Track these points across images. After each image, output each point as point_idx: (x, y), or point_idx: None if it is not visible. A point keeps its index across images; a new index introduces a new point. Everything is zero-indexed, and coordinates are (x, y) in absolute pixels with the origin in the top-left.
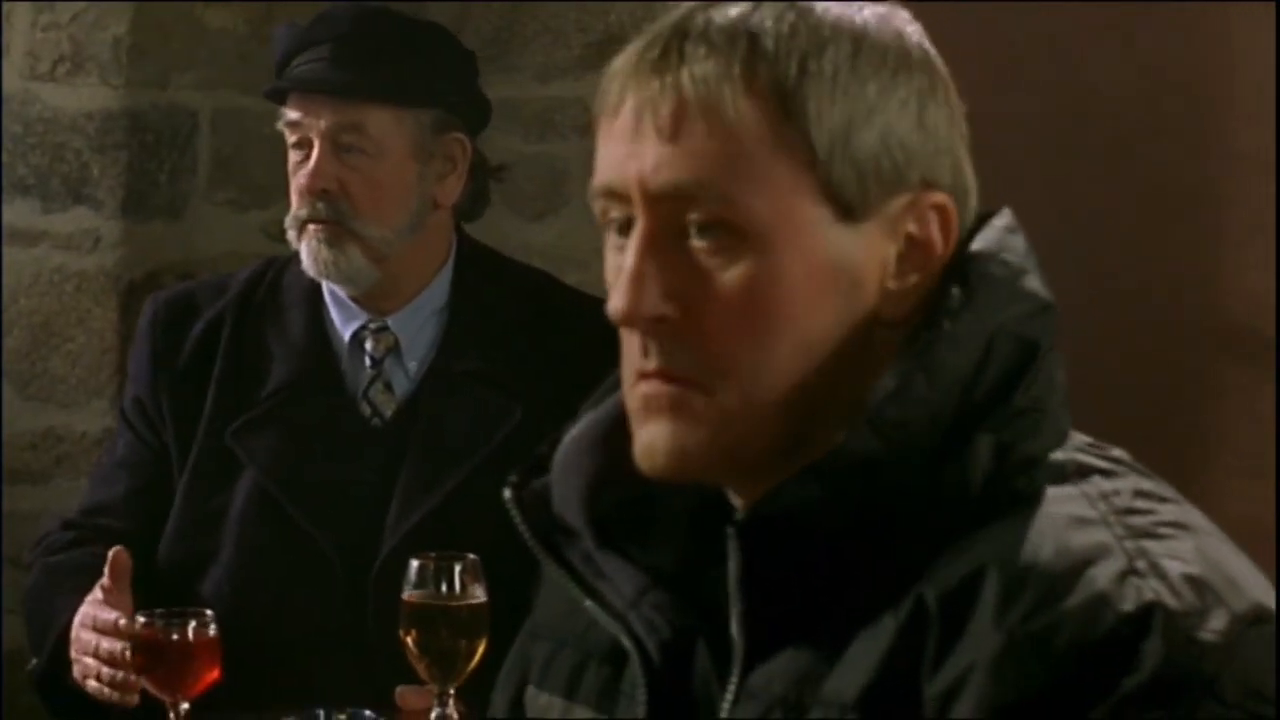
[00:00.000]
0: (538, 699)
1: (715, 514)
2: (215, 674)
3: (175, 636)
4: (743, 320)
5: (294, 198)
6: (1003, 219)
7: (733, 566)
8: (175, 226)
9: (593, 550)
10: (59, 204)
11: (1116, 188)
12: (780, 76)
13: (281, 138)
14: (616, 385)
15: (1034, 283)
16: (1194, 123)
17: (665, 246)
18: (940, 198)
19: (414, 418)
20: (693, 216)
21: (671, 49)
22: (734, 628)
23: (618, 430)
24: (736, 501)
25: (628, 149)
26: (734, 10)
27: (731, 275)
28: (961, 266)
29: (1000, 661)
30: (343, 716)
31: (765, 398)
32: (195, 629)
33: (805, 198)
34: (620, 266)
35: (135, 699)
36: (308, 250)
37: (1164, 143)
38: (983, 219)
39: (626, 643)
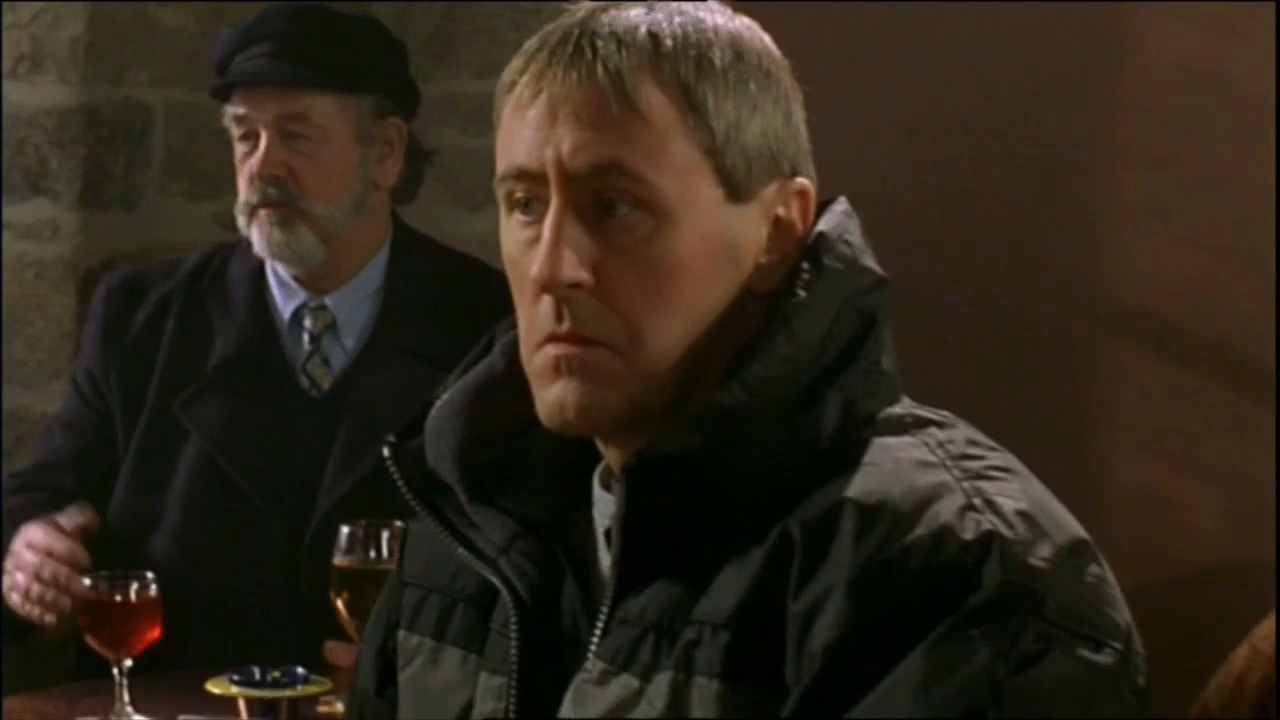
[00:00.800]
0: (409, 641)
1: (579, 467)
2: (156, 633)
3: (118, 598)
4: (650, 288)
5: (243, 186)
6: (841, 205)
7: (617, 508)
8: (130, 216)
9: (465, 503)
10: (19, 195)
11: (1008, 175)
12: (683, 72)
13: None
14: (482, 355)
15: (871, 261)
16: (1082, 113)
17: (580, 221)
18: (803, 183)
19: (349, 390)
20: (608, 194)
21: (584, 45)
22: (605, 566)
23: (486, 394)
24: (609, 453)
25: (543, 135)
26: (632, 12)
27: (641, 247)
28: (813, 246)
29: (857, 583)
30: (276, 673)
31: (665, 359)
32: (137, 590)
33: (704, 180)
34: (530, 240)
35: (54, 619)
36: (259, 233)
37: (1054, 132)
38: (823, 205)
39: (500, 585)
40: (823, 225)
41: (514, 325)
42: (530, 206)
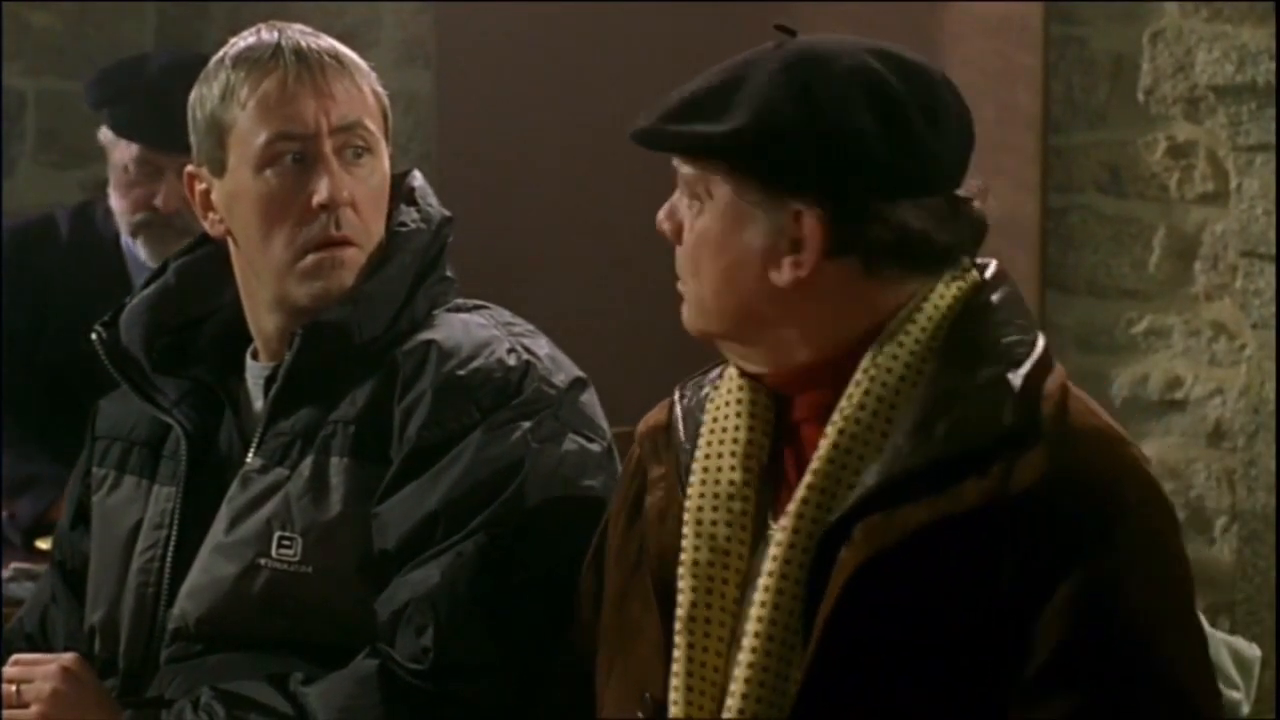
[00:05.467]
0: (98, 474)
1: (235, 348)
2: None
3: None
4: (374, 206)
5: (132, 204)
6: (419, 172)
7: (293, 349)
8: (10, 181)
9: (149, 373)
10: None
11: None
12: (359, 68)
13: (91, 115)
14: (159, 276)
15: (439, 205)
16: None
17: (338, 161)
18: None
19: None
20: (353, 144)
21: (313, 52)
22: (258, 408)
23: (163, 300)
24: (281, 326)
25: (313, 106)
26: (308, 30)
27: (369, 179)
28: (410, 196)
29: (440, 390)
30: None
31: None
32: None
33: (384, 137)
34: (295, 182)
35: None
36: (145, 245)
37: None
38: (405, 173)
39: (172, 423)
40: (414, 182)
41: (181, 255)
42: (300, 158)
